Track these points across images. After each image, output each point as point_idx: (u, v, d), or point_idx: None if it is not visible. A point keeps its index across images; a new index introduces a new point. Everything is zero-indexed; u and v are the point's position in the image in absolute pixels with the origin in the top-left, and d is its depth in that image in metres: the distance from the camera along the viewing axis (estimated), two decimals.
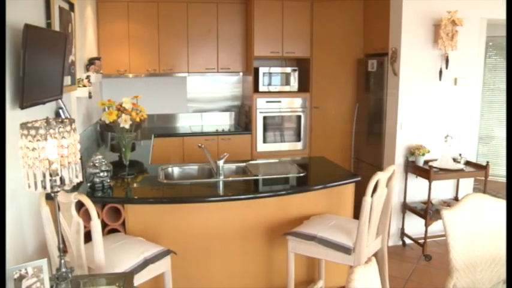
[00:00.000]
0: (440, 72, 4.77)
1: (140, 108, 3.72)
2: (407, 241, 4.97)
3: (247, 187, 3.56)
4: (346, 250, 2.99)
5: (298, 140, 6.02)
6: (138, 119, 3.67)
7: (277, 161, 4.30)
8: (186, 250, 3.23)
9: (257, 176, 3.68)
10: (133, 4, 5.67)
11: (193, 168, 4.02)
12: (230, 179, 3.61)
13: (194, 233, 3.29)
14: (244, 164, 4.02)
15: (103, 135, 4.93)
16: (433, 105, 4.90)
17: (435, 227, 4.57)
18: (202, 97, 6.44)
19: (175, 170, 3.95)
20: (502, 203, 2.87)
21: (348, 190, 3.67)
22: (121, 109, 3.61)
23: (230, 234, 3.39)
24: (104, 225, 3.02)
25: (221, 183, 3.50)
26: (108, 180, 3.22)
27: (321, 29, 5.92)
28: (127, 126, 3.55)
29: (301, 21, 5.91)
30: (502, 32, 7.26)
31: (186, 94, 6.37)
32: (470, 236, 2.73)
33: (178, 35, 5.85)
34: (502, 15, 5.18)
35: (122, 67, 5.72)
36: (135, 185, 3.49)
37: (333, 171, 3.98)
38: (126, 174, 3.58)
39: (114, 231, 3.11)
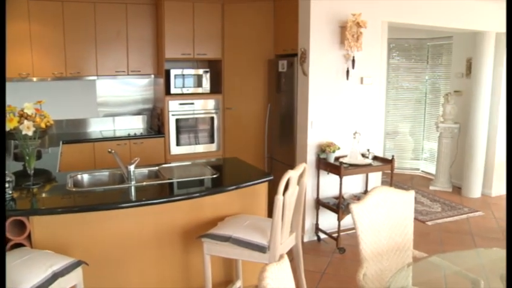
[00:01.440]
0: (347, 71, 4.96)
1: (44, 114, 3.53)
2: (322, 236, 5.12)
3: (160, 191, 3.50)
4: (261, 249, 3.01)
5: (212, 141, 6.01)
6: (43, 125, 3.47)
7: (190, 163, 4.25)
8: (100, 260, 3.10)
9: (170, 179, 3.63)
10: (34, 2, 5.36)
11: (104, 174, 3.88)
12: (142, 183, 3.52)
13: (107, 242, 3.17)
14: (156, 168, 3.94)
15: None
16: (341, 104, 5.09)
17: (347, 221, 4.73)
18: (113, 101, 6.24)
19: (85, 177, 3.78)
20: (404, 194, 3.03)
21: (261, 189, 3.71)
22: (24, 115, 3.40)
23: (145, 241, 3.30)
24: (6, 240, 2.84)
25: (133, 188, 3.40)
26: (10, 192, 3.03)
27: (232, 31, 5.95)
28: (30, 133, 3.35)
29: (212, 22, 5.90)
30: (403, 35, 7.72)
31: (96, 98, 6.14)
32: (377, 227, 2.86)
33: (86, 36, 5.62)
34: (401, 19, 5.50)
35: (24, 70, 5.39)
36: (41, 195, 3.30)
37: (246, 171, 4.00)
38: (30, 184, 3.38)
39: (19, 246, 2.93)
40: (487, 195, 7.01)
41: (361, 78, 5.13)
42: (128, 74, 5.90)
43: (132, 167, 3.45)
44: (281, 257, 1.97)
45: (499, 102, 6.81)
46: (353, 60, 4.93)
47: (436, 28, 6.18)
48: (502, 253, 3.34)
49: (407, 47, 8.18)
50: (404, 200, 3.00)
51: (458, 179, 7.24)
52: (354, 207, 2.73)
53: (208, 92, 5.99)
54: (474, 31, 6.52)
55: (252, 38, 5.91)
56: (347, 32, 4.80)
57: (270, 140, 5.96)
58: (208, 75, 5.97)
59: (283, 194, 2.94)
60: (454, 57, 7.51)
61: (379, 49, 5.31)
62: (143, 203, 3.15)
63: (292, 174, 2.99)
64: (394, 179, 5.04)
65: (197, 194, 3.35)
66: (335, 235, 4.82)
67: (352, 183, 5.21)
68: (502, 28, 6.54)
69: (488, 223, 5.86)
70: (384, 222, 2.89)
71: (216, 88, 6.06)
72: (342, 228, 4.77)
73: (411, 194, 3.04)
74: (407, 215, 3.01)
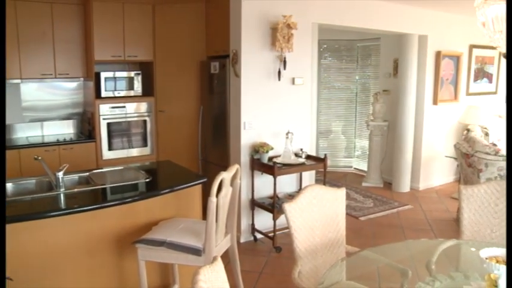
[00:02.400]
0: (279, 72, 5.01)
1: None
2: (259, 236, 5.16)
3: (91, 197, 3.38)
4: (196, 252, 2.99)
5: (146, 145, 5.89)
6: None
7: (122, 168, 4.15)
8: (28, 273, 2.95)
9: (102, 185, 3.52)
10: None
11: (30, 182, 3.70)
12: (73, 190, 3.40)
13: (35, 253, 3.01)
14: (87, 173, 3.82)
15: None
16: (274, 104, 5.14)
17: (283, 220, 4.74)
18: (40, 105, 5.96)
19: (9, 186, 3.60)
20: (335, 191, 3.10)
21: (195, 192, 3.69)
22: None
23: (77, 250, 3.18)
24: None
25: (62, 196, 3.28)
26: None
27: (163, 32, 5.86)
28: None
29: (143, 24, 5.79)
30: (334, 36, 7.92)
31: (21, 102, 5.84)
32: (310, 225, 2.91)
33: (8, 37, 5.33)
34: (331, 21, 5.65)
35: None
36: None
37: (180, 174, 3.96)
38: None
39: None
40: (415, 189, 7.33)
41: (293, 79, 5.21)
42: (56, 77, 5.66)
43: (60, 174, 3.32)
44: (214, 259, 1.96)
45: (424, 101, 7.13)
46: (284, 61, 4.99)
47: (364, 30, 6.39)
48: (429, 243, 3.52)
49: (338, 48, 8.40)
50: (336, 197, 3.07)
51: (388, 175, 7.52)
52: (287, 206, 2.77)
53: (140, 94, 5.88)
54: (400, 33, 6.80)
55: (184, 39, 5.85)
56: (278, 34, 4.85)
57: (203, 142, 5.93)
58: (139, 77, 5.85)
59: (217, 195, 2.93)
60: (382, 58, 7.80)
61: (310, 50, 5.42)
62: (73, 210, 3.03)
63: (225, 176, 2.99)
64: (327, 177, 5.15)
65: (130, 199, 3.28)
66: (271, 234, 4.87)
67: (287, 183, 5.28)
68: (425, 31, 6.88)
69: (417, 215, 6.12)
70: (317, 220, 2.95)
71: (148, 91, 5.95)
72: (277, 228, 4.82)
73: (342, 191, 3.12)
74: (339, 211, 3.08)
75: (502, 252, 2.18)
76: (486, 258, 2.11)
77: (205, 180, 3.66)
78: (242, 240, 5.10)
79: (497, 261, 2.10)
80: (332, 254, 3.03)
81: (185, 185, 3.53)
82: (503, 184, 3.30)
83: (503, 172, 5.16)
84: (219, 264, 1.95)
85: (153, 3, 5.78)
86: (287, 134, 4.88)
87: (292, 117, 5.28)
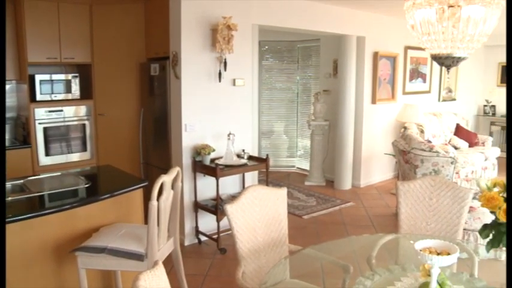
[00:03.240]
0: (220, 74, 5.00)
1: None
2: (203, 238, 5.13)
3: (27, 206, 3.24)
4: (139, 257, 2.94)
5: (85, 149, 5.71)
6: None
7: (60, 174, 4.02)
8: None
9: (38, 192, 3.39)
10: None
11: None
12: (7, 199, 3.25)
13: None
14: (21, 181, 3.66)
15: None
16: (215, 106, 5.13)
17: (227, 221, 4.76)
18: None
19: None
20: (276, 191, 3.13)
21: (136, 196, 3.62)
22: None
23: (11, 262, 3.03)
24: None
25: None
26: None
27: (101, 33, 5.71)
28: None
29: (79, 25, 5.61)
30: (275, 37, 8.00)
31: None
32: (253, 225, 2.92)
33: None
34: (271, 22, 5.71)
35: None
36: None
37: (120, 179, 3.88)
38: None
39: None
40: (357, 187, 7.52)
41: (234, 80, 5.22)
42: None
43: None
44: (155, 263, 1.94)
45: (363, 100, 7.34)
46: (225, 63, 4.99)
47: (305, 31, 6.50)
48: (370, 238, 3.61)
49: (279, 49, 8.49)
50: (278, 197, 3.10)
51: (330, 173, 7.67)
52: (228, 207, 2.77)
53: (79, 98, 5.70)
54: (339, 34, 6.96)
55: (123, 41, 5.74)
56: (218, 35, 4.85)
57: (144, 145, 5.84)
58: (77, 80, 5.67)
59: (158, 199, 2.89)
60: (322, 59, 7.95)
61: (251, 51, 5.45)
62: (6, 220, 2.90)
63: (165, 179, 2.96)
64: (270, 177, 5.21)
65: (68, 206, 3.17)
66: (215, 236, 4.86)
67: (230, 184, 5.28)
68: (362, 32, 7.07)
69: (359, 212, 6.29)
70: (259, 220, 2.97)
71: (86, 94, 5.78)
72: (222, 229, 4.82)
73: (283, 190, 3.15)
74: (281, 211, 3.12)
75: (434, 243, 2.28)
76: (420, 250, 2.20)
77: (146, 183, 3.60)
78: (186, 243, 5.06)
79: (430, 252, 2.19)
80: (275, 254, 3.06)
81: (126, 190, 3.45)
82: (437, 179, 3.44)
83: (438, 167, 5.38)
84: (160, 269, 1.93)
85: (90, 3, 5.63)
86: (229, 135, 4.88)
87: (233, 118, 5.29)
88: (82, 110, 5.67)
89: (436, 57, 2.33)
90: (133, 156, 5.87)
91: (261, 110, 8.40)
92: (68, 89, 5.60)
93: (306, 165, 8.36)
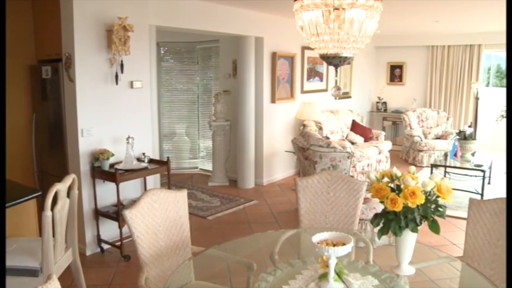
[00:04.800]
0: (116, 76, 4.86)
1: None
2: (106, 246, 4.96)
3: None
4: (33, 272, 2.79)
5: None
6: None
7: None
8: None
9: None
10: None
11: None
12: None
13: None
14: None
15: None
16: (113, 109, 4.96)
17: None
18: None
19: None
20: (176, 193, 3.11)
21: (29, 207, 3.42)
22: None
23: None
24: None
25: None
26: None
27: None
28: None
29: None
30: (174, 38, 7.93)
31: None
32: (153, 229, 2.87)
33: None
34: (169, 23, 5.65)
35: None
36: None
37: (10, 190, 3.63)
38: None
39: None
40: (260, 185, 7.66)
41: (131, 82, 5.09)
42: None
43: None
44: (48, 277, 1.84)
45: (263, 99, 7.49)
46: (122, 65, 4.85)
47: (203, 32, 6.50)
48: (274, 235, 3.69)
49: (179, 50, 8.42)
50: (178, 199, 3.07)
51: (233, 173, 7.75)
52: (127, 213, 2.70)
53: None
54: (237, 35, 7.04)
55: (10, 42, 5.37)
56: (114, 36, 4.70)
57: (39, 153, 5.51)
58: None
59: (52, 209, 2.76)
60: (221, 59, 8.00)
61: (148, 53, 5.35)
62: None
63: (60, 187, 2.83)
64: (173, 180, 5.15)
65: None
66: (119, 243, 4.72)
67: (131, 189, 5.15)
68: (261, 33, 7.22)
69: (262, 210, 6.41)
70: (160, 224, 2.93)
71: None
72: (125, 235, 4.67)
73: (183, 192, 3.13)
74: (182, 213, 3.09)
75: (330, 235, 2.39)
76: (318, 243, 2.29)
77: (39, 193, 3.40)
78: (88, 253, 4.86)
79: (327, 244, 2.29)
80: (178, 257, 3.04)
81: (16, 201, 3.23)
82: (333, 173, 3.60)
83: (335, 162, 5.63)
84: (54, 283, 1.84)
85: None
86: (128, 139, 4.76)
87: (132, 122, 5.16)
88: None
89: (324, 57, 2.44)
90: (27, 164, 5.52)
91: (162, 112, 8.29)
92: None
93: (209, 166, 8.36)
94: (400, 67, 11.23)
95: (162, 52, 8.28)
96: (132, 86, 5.10)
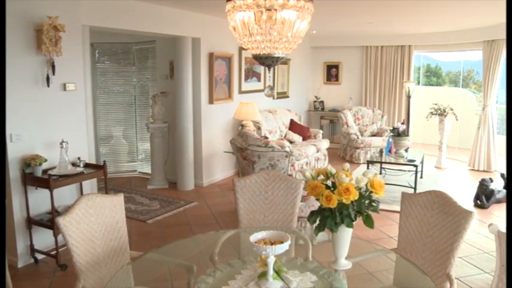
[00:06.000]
0: (48, 78, 4.67)
1: None
2: (40, 256, 4.75)
3: None
4: None
5: None
6: None
7: None
8: None
9: None
10: None
11: None
12: None
13: None
14: None
15: None
16: (45, 113, 4.77)
17: None
18: None
19: None
20: (112, 198, 3.05)
21: None
22: None
23: None
24: None
25: None
26: None
27: None
28: None
29: None
30: (109, 39, 7.75)
31: None
32: (89, 236, 2.80)
33: None
34: (103, 23, 5.51)
35: None
36: None
37: None
38: None
39: None
40: (200, 186, 7.62)
41: (64, 85, 4.92)
42: None
43: None
44: None
45: (201, 100, 7.45)
46: (53, 66, 4.68)
47: (139, 33, 6.39)
48: (215, 236, 3.69)
49: (114, 51, 8.22)
50: (114, 204, 3.01)
51: (173, 175, 7.66)
52: (61, 219, 2.61)
53: None
54: (174, 36, 6.97)
55: None
56: (44, 36, 4.52)
57: None
58: None
59: None
60: (158, 60, 7.89)
61: (82, 53, 5.19)
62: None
63: None
64: (111, 184, 5.04)
65: None
66: (54, 252, 4.54)
67: (67, 195, 4.97)
68: (197, 34, 7.19)
69: (203, 211, 6.38)
70: (96, 230, 2.85)
71: None
72: (61, 244, 4.50)
73: (120, 196, 3.07)
74: (119, 218, 3.03)
75: (268, 234, 2.42)
76: (256, 242, 2.30)
77: None
78: (20, 265, 4.62)
79: (265, 243, 2.31)
80: (117, 263, 2.97)
81: None
82: (271, 173, 3.64)
83: (274, 162, 5.68)
84: None
85: None
86: (61, 143, 4.60)
87: (66, 125, 4.98)
88: None
89: (257, 57, 2.46)
90: None
91: (98, 114, 8.07)
92: None
93: (147, 168, 8.23)
94: (336, 67, 11.51)
95: (97, 53, 8.06)
96: (65, 88, 4.93)
